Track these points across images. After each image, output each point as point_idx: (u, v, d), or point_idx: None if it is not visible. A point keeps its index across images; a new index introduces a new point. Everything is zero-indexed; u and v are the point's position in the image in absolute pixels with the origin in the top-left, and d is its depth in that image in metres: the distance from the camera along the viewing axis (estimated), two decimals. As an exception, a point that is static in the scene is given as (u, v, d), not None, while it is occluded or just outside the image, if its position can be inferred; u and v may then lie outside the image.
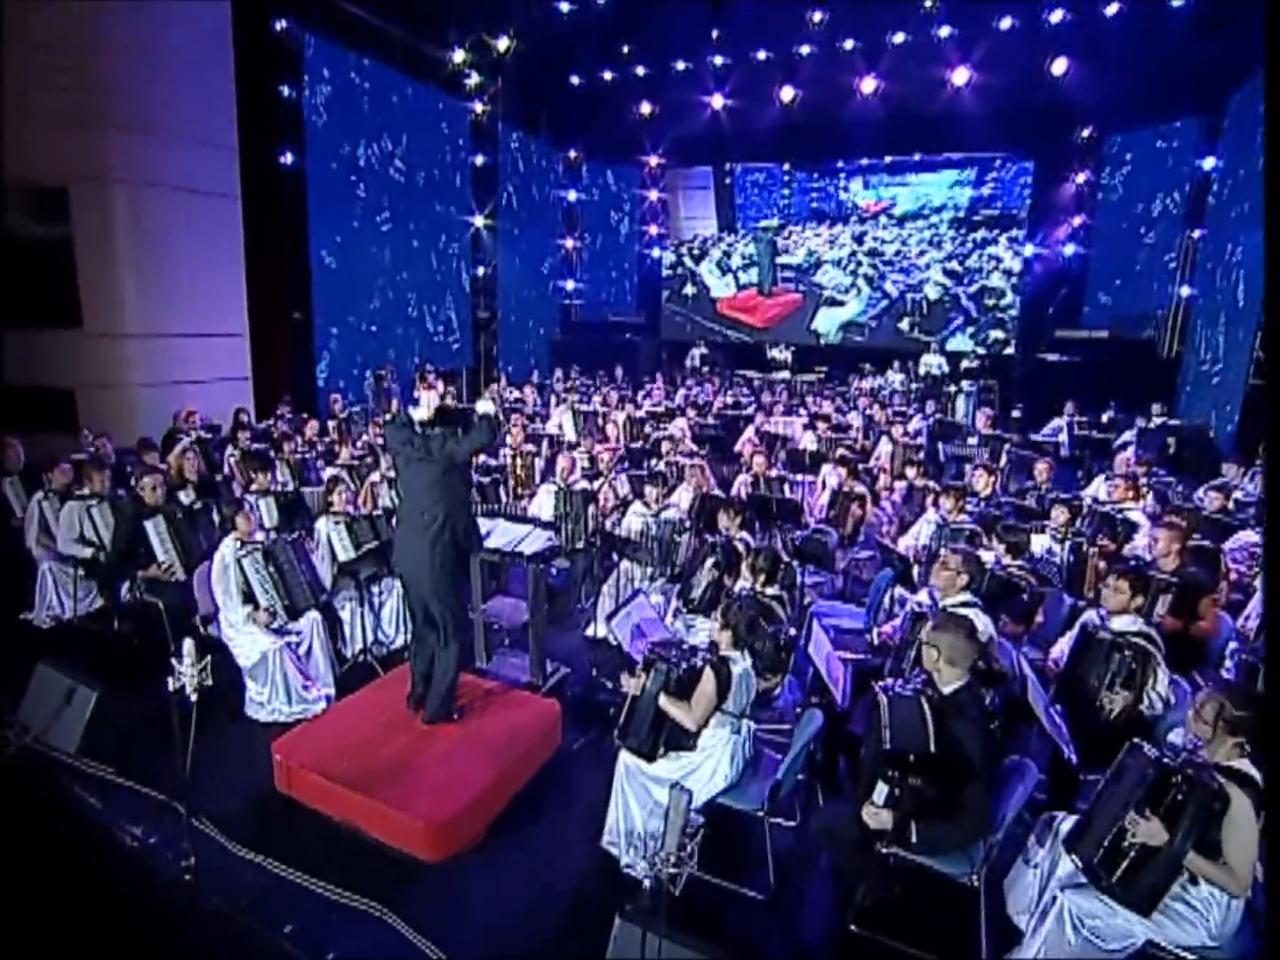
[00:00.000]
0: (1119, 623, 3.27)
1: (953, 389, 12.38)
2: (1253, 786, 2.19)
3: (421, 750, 3.52)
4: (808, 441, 8.07)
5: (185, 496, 5.23)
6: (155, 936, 2.80)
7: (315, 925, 2.77)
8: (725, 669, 3.08)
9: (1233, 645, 3.61)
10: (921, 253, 13.93)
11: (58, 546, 4.93)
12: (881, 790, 2.47)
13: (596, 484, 6.28)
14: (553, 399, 11.23)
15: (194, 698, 2.50)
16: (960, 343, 13.94)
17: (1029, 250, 14.42)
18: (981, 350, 13.97)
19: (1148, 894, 2.26)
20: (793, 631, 3.77)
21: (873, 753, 2.62)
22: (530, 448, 7.57)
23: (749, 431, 8.59)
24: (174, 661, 2.49)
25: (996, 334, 14.13)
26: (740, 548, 4.55)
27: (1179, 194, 12.66)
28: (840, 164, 14.08)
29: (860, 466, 6.76)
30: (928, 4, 10.93)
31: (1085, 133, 13.56)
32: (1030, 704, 2.95)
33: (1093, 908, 2.33)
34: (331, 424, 8.43)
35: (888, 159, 13.88)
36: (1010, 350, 14.28)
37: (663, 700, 3.06)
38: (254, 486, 5.41)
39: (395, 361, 11.66)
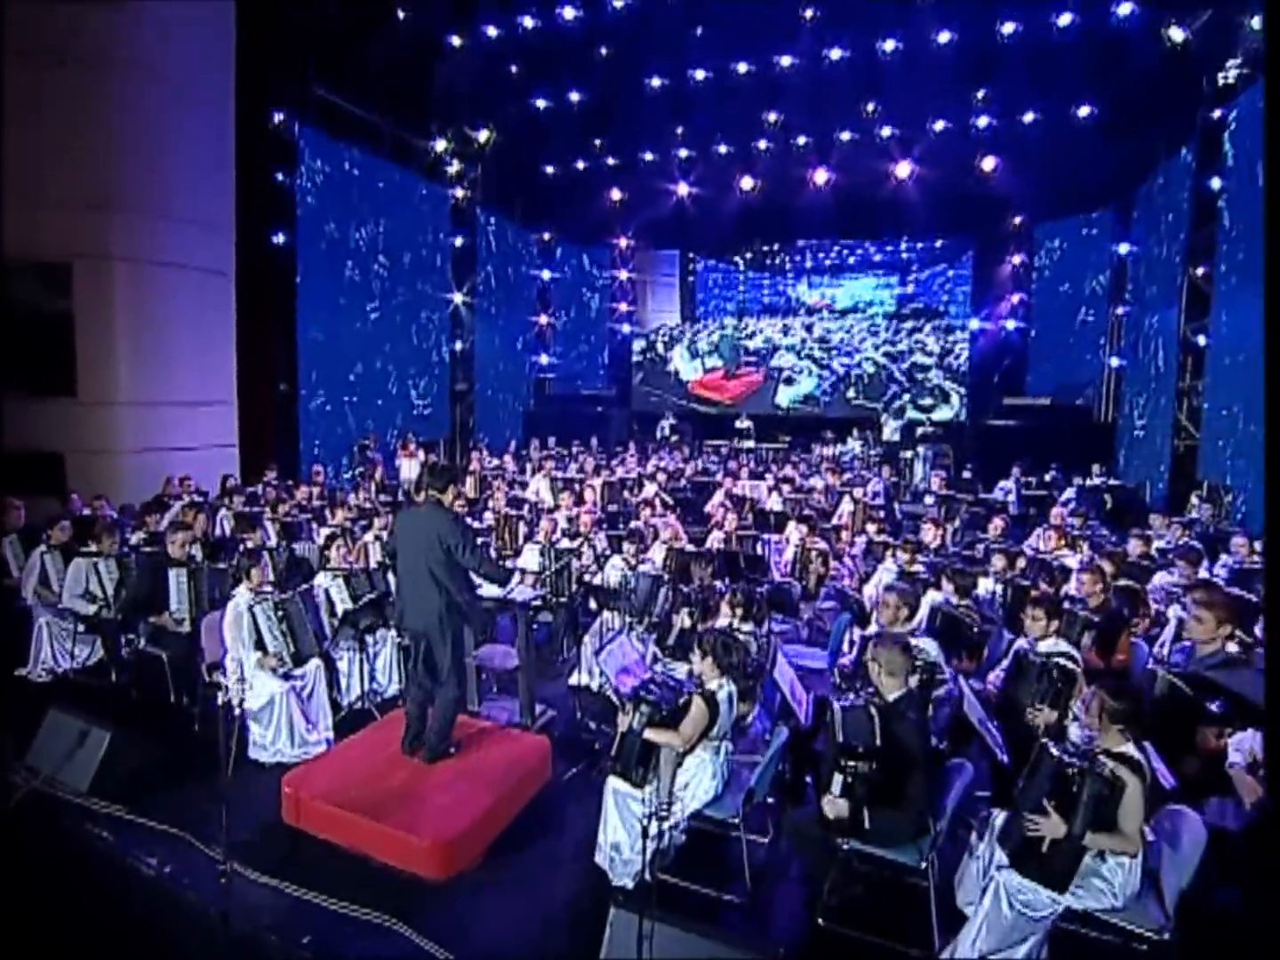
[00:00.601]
0: (1044, 645, 3.78)
1: (909, 454, 13.16)
2: (1136, 765, 2.65)
3: (423, 781, 3.81)
4: (773, 503, 8.62)
5: (196, 553, 5.52)
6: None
7: (333, 939, 3.02)
8: (713, 697, 3.48)
9: (1150, 667, 4.11)
10: (862, 339, 15.68)
11: (61, 600, 5.17)
12: (837, 780, 2.88)
13: (576, 543, 6.71)
14: (529, 467, 11.71)
15: (238, 710, 2.81)
16: (900, 407, 15.23)
17: (974, 324, 15.62)
18: (923, 416, 14.97)
19: (1061, 875, 2.67)
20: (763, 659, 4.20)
21: (830, 754, 3.03)
22: (512, 511, 8.02)
23: (719, 495, 9.12)
24: (220, 677, 2.82)
25: (941, 403, 15.21)
26: (714, 595, 4.99)
27: (1103, 275, 13.96)
28: (788, 266, 15.84)
29: (822, 525, 7.32)
30: (869, 108, 12.18)
31: (1017, 220, 14.96)
32: (967, 715, 3.39)
33: (1021, 884, 2.73)
34: (315, 490, 8.79)
35: (828, 261, 15.80)
36: (962, 417, 15.27)
37: (649, 733, 3.43)
38: (248, 545, 5.73)
39: (377, 432, 12.09)
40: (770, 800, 3.80)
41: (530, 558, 6.19)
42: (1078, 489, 10.05)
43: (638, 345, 18.10)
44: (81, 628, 5.24)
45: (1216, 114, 9.96)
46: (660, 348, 17.61)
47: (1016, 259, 15.19)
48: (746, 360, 17.03)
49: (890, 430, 14.14)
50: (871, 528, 7.14)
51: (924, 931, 3.01)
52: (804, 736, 3.80)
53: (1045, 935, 2.75)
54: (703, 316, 17.11)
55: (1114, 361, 13.76)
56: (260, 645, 4.40)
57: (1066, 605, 4.70)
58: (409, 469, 10.67)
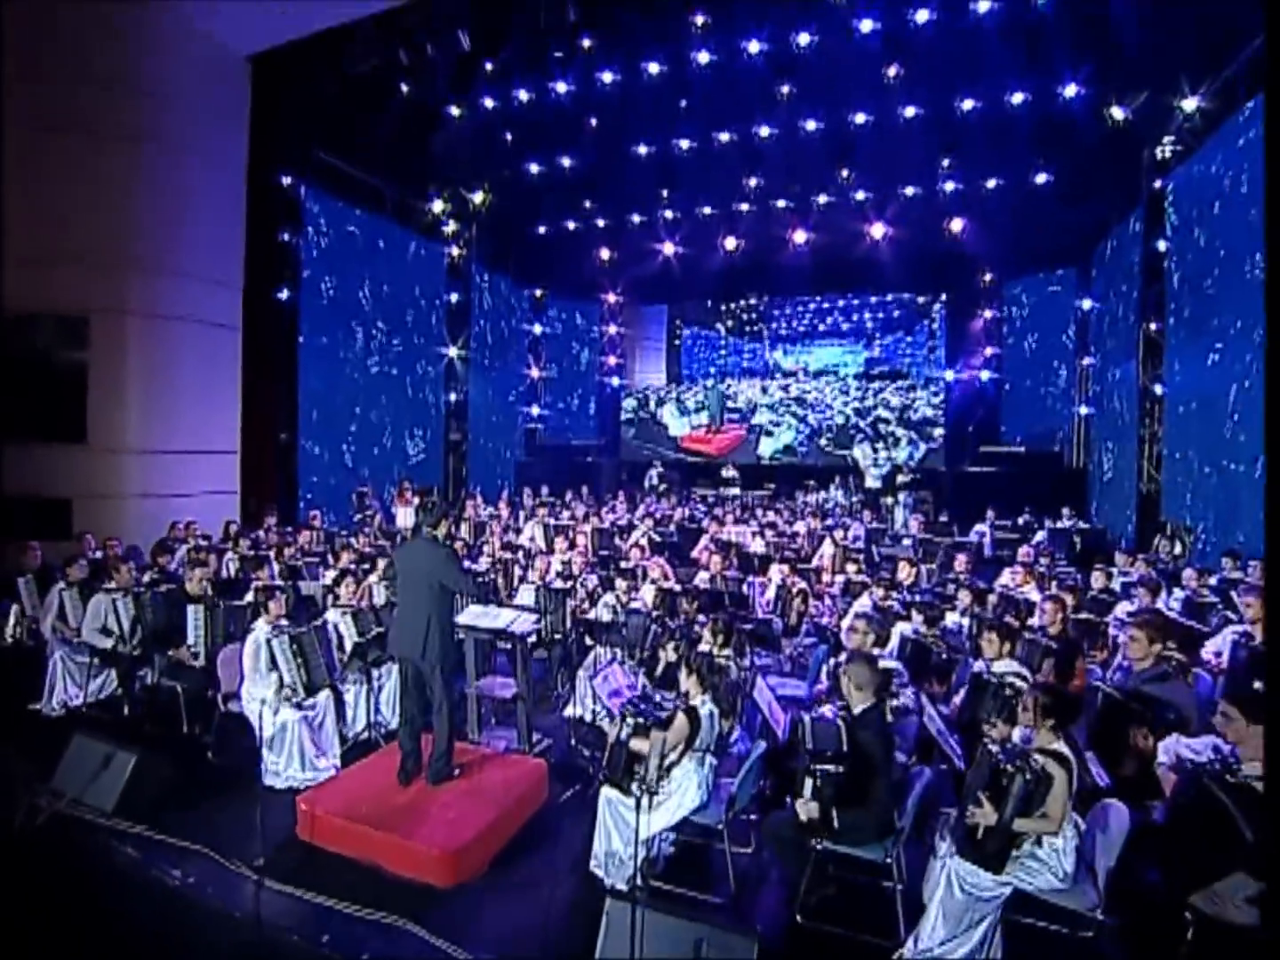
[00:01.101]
0: (999, 666, 4.18)
1: (890, 500, 13.67)
2: (1063, 759, 3.04)
3: (429, 799, 4.12)
4: (757, 546, 9.03)
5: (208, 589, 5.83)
6: None
7: (350, 939, 3.30)
8: (695, 712, 3.84)
9: (1093, 684, 4.51)
10: (834, 397, 17.02)
11: (81, 635, 5.45)
12: (808, 784, 3.23)
13: (570, 583, 7.08)
14: (522, 514, 12.09)
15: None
16: (860, 452, 16.68)
17: (950, 375, 16.35)
18: (902, 463, 15.72)
19: (996, 857, 3.03)
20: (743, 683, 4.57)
21: (803, 763, 3.39)
22: (507, 555, 8.39)
23: (705, 539, 9.53)
24: (235, 706, 3.15)
25: (899, 447, 16.25)
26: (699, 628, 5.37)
27: (1069, 329, 14.76)
28: (765, 334, 17.25)
29: (803, 566, 7.74)
30: (844, 174, 13.05)
31: (987, 277, 15.83)
32: (927, 726, 3.76)
33: (969, 870, 3.08)
34: (315, 534, 9.13)
35: (800, 328, 17.20)
36: (915, 459, 15.99)
37: (634, 743, 3.78)
38: (261, 582, 6.06)
39: (372, 480, 12.46)
40: (753, 817, 4.13)
41: (526, 597, 6.55)
42: (1048, 531, 10.56)
43: (630, 403, 18.91)
44: (96, 662, 5.52)
45: (1157, 184, 10.83)
46: (651, 405, 18.52)
47: (988, 314, 16.02)
48: (730, 417, 18.01)
49: (872, 478, 14.73)
50: (851, 568, 7.56)
51: (892, 924, 3.33)
52: (782, 753, 4.14)
53: (997, 919, 3.09)
54: (688, 378, 18.29)
55: (1083, 410, 14.45)
56: (278, 678, 4.71)
57: (1029, 635, 5.12)
58: (405, 516, 11.01)
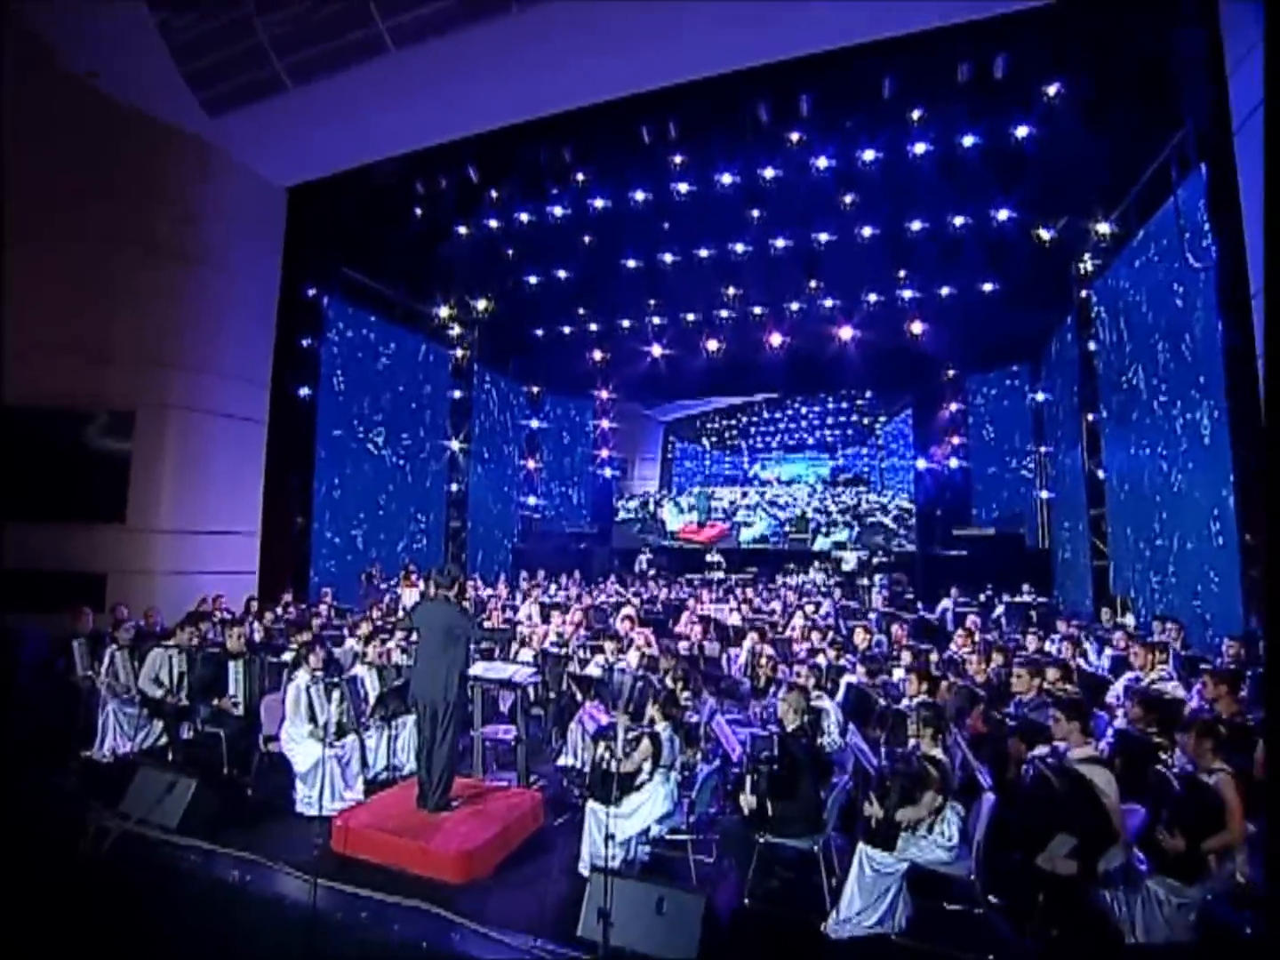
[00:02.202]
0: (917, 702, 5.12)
1: (865, 582, 14.65)
2: (937, 762, 3.97)
3: (443, 817, 4.96)
4: (734, 620, 9.96)
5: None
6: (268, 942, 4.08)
7: (385, 920, 4.10)
8: (658, 736, 4.76)
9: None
10: (803, 499, 19.28)
11: (138, 683, 6.32)
12: (748, 781, 4.15)
13: (564, 650, 7.99)
14: (519, 595, 13.00)
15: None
16: (836, 540, 18.52)
17: (922, 464, 17.66)
18: (865, 548, 17.00)
19: (887, 840, 3.93)
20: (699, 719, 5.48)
21: (744, 767, 4.30)
22: (504, 627, 9.29)
23: (686, 614, 10.45)
24: (275, 746, 4.08)
25: (882, 537, 17.67)
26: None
27: (1027, 420, 16.16)
28: (744, 448, 19.77)
29: (775, 636, 8.67)
30: (811, 284, 14.71)
31: (950, 373, 17.35)
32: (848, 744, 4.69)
33: (873, 851, 3.96)
34: (327, 609, 10.06)
35: (774, 444, 19.70)
36: (913, 549, 17.04)
37: (613, 765, 4.68)
38: (295, 641, 6.97)
39: (381, 561, 13.43)
40: (715, 837, 4.98)
41: (525, 657, 7.46)
42: (1006, 605, 11.51)
43: (633, 504, 20.78)
44: (145, 712, 6.37)
45: (1083, 293, 12.43)
46: (651, 505, 20.54)
47: (953, 407, 17.46)
48: (715, 516, 19.92)
49: (849, 562, 15.78)
50: (816, 635, 8.49)
51: (821, 903, 4.16)
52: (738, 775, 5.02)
53: (900, 888, 3.94)
54: (678, 486, 20.44)
55: (1044, 494, 15.66)
56: (312, 719, 5.60)
57: (960, 681, 6.09)
58: (409, 598, 11.89)
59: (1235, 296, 7.51)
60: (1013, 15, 8.23)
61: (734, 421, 19.79)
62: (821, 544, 18.45)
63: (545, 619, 9.88)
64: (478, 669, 5.99)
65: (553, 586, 13.67)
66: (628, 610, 10.25)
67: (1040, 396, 15.60)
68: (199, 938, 4.00)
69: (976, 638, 7.81)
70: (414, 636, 5.67)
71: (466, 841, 4.58)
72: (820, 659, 7.22)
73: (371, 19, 8.61)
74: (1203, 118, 8.20)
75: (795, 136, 11.54)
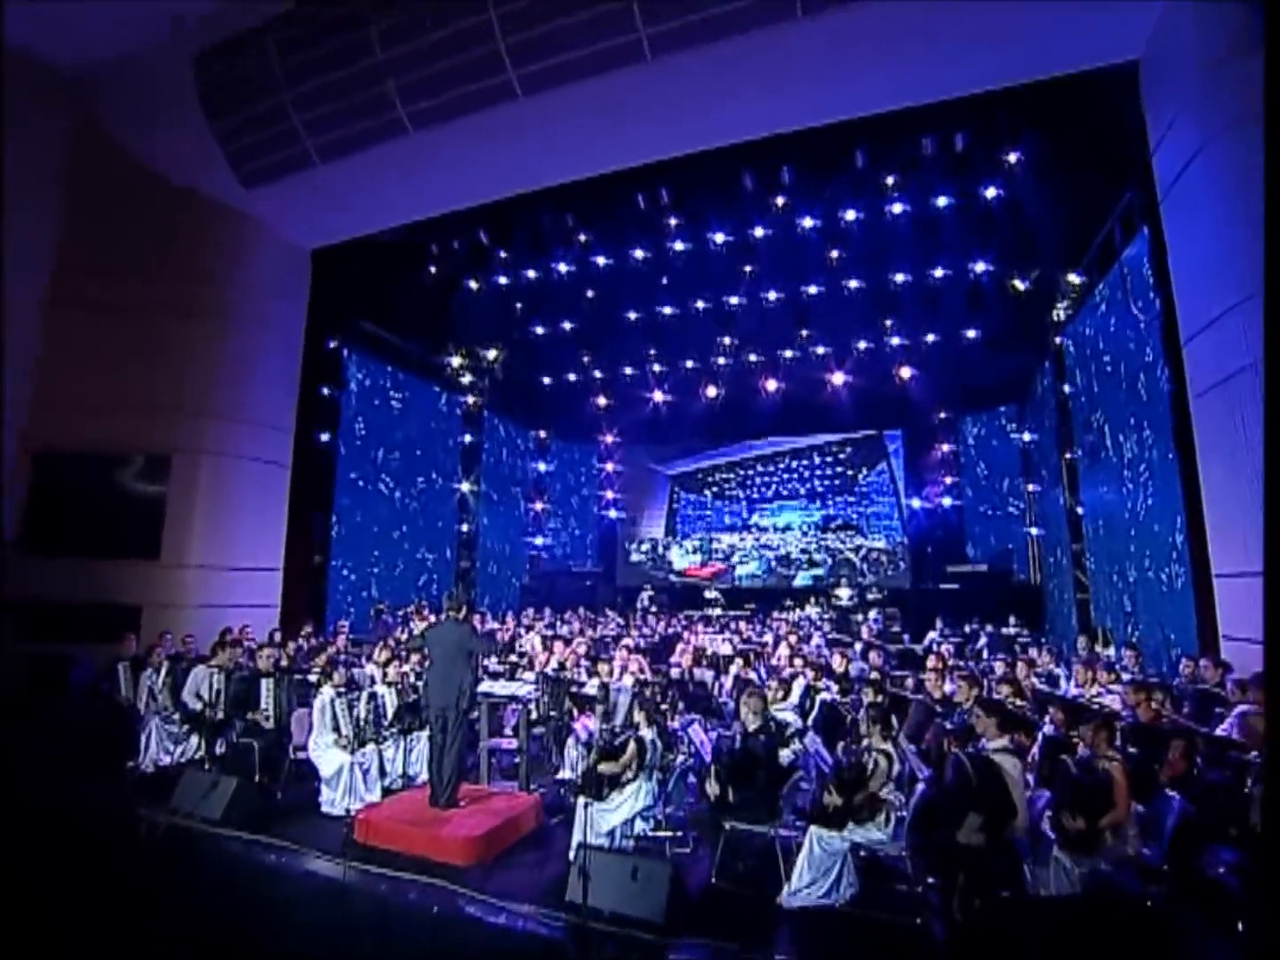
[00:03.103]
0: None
1: (860, 617, 15.26)
2: (886, 755, 4.68)
3: (454, 810, 5.67)
4: (725, 649, 10.65)
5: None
6: (317, 922, 4.80)
7: (404, 893, 4.81)
8: (643, 740, 5.49)
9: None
10: (796, 542, 20.36)
11: (181, 697, 7.10)
12: (713, 771, 4.87)
13: (564, 673, 8.72)
14: (523, 629, 13.71)
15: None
16: (803, 578, 19.86)
17: (916, 503, 18.38)
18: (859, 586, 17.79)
19: (839, 820, 4.62)
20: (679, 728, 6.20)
21: (710, 761, 5.03)
22: (511, 659, 10.04)
23: (681, 645, 11.15)
24: (303, 754, 4.85)
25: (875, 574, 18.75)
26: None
27: (1016, 459, 16.90)
28: (741, 498, 20.96)
29: (760, 663, 9.36)
30: (803, 333, 15.69)
31: (941, 415, 18.17)
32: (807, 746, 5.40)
33: (822, 832, 4.65)
34: (344, 640, 10.84)
35: (769, 493, 20.83)
36: (906, 585, 17.70)
37: (601, 765, 5.41)
38: (319, 661, 7.76)
39: (390, 599, 14.22)
40: (694, 834, 5.66)
41: (527, 679, 8.20)
42: (989, 636, 12.12)
43: (645, 546, 21.74)
44: (185, 728, 7.14)
45: (1058, 339, 13.30)
46: (659, 549, 21.55)
47: (945, 447, 18.25)
48: (715, 557, 21.03)
49: (842, 599, 16.44)
50: (799, 661, 9.17)
51: (778, 882, 4.82)
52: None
53: (844, 863, 4.62)
54: (682, 532, 21.64)
55: (1033, 531, 16.31)
56: (336, 730, 6.36)
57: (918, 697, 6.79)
58: (420, 629, 12.65)
59: (1170, 344, 8.37)
60: (979, 95, 9.24)
61: (731, 475, 21.27)
62: (803, 578, 19.54)
63: (548, 649, 10.59)
64: (485, 686, 6.74)
65: (558, 622, 14.37)
66: (626, 641, 10.98)
67: (1027, 436, 16.37)
68: (246, 907, 4.72)
69: (945, 663, 8.47)
70: (427, 655, 6.43)
71: (472, 830, 5.30)
72: (798, 681, 7.91)
73: (393, 105, 9.73)
74: (1140, 185, 9.16)
75: (781, 200, 12.62)
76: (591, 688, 7.90)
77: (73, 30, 10.02)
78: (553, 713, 7.97)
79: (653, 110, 9.44)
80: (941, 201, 12.32)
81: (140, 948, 4.23)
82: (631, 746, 5.44)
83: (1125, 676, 7.94)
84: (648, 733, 5.53)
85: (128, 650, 8.10)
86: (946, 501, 18.09)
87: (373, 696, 6.73)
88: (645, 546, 21.90)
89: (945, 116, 10.38)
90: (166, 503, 10.82)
